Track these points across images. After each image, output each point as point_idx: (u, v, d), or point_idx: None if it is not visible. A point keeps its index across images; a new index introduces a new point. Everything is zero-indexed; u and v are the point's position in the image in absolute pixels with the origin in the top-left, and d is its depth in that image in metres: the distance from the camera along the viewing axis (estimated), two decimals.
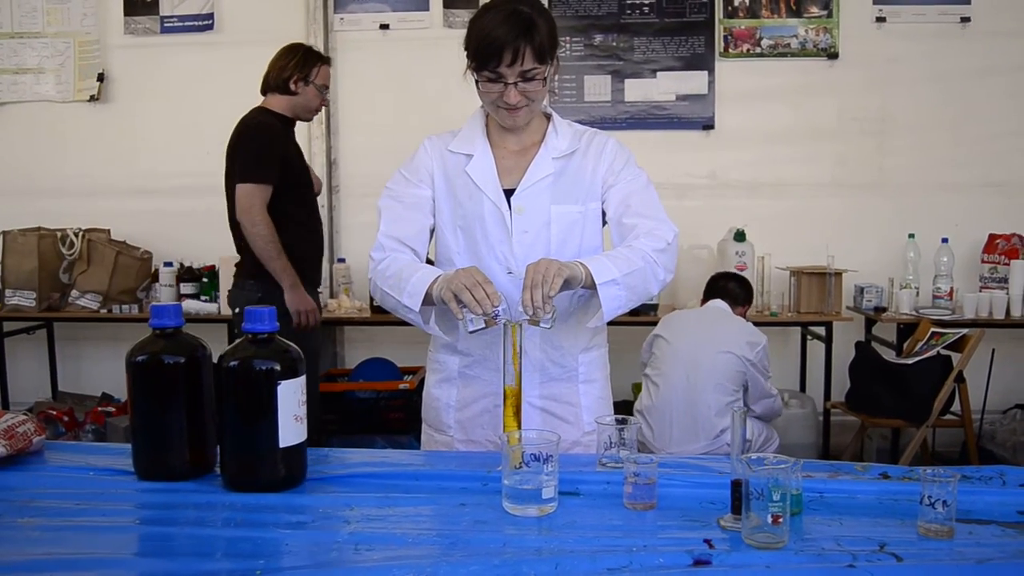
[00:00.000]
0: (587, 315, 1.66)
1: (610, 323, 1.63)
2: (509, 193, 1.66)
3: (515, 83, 1.56)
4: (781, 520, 1.11)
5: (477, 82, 1.60)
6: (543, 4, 1.62)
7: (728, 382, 2.93)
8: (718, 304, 3.16)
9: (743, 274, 3.51)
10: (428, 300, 1.54)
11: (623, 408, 3.62)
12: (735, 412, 1.22)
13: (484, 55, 1.54)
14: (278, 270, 2.83)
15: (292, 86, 2.90)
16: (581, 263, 1.51)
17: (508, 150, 1.70)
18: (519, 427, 1.48)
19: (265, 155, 2.82)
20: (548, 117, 1.73)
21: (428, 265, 1.61)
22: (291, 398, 1.32)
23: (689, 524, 1.20)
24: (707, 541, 1.14)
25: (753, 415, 3.08)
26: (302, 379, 1.34)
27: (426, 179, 1.70)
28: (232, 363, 1.31)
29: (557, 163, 1.68)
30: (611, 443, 1.44)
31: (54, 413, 3.85)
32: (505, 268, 1.65)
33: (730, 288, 3.22)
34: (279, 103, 2.93)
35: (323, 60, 2.97)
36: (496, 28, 1.53)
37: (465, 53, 1.59)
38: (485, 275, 1.47)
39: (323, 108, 2.99)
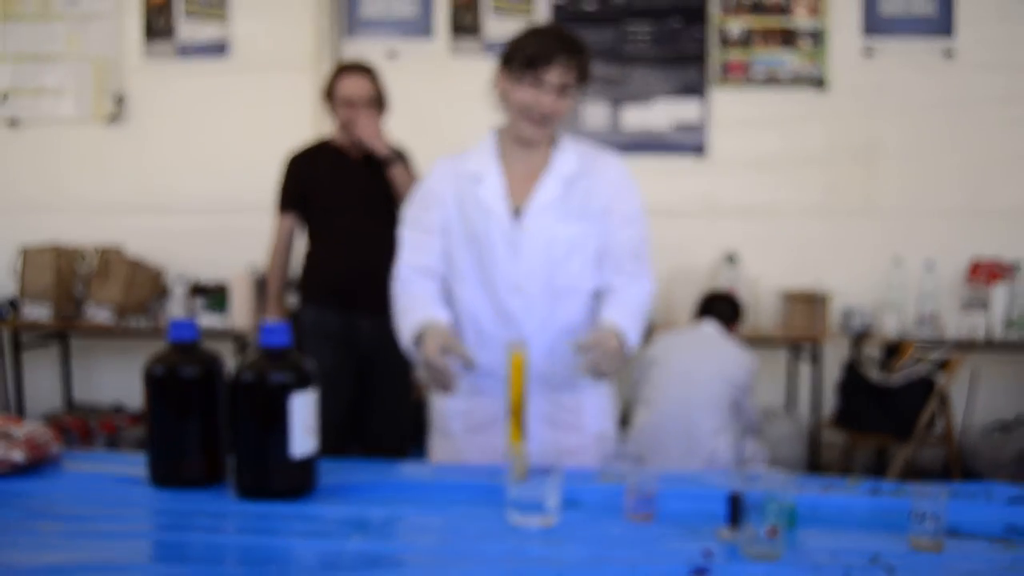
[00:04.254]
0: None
1: None
2: (517, 213, 1.72)
3: (552, 92, 1.63)
4: (777, 533, 1.14)
5: (503, 92, 1.68)
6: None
7: (722, 402, 2.96)
8: (710, 326, 3.20)
9: (733, 295, 3.55)
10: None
11: (620, 424, 3.64)
12: (733, 428, 1.26)
13: (534, 57, 1.62)
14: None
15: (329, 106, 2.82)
16: (622, 334, 1.62)
17: (517, 171, 1.75)
18: (523, 440, 1.52)
19: (281, 187, 2.85)
20: (553, 140, 1.78)
21: (422, 305, 1.69)
22: (303, 410, 1.34)
23: (688, 536, 1.23)
24: (705, 552, 1.16)
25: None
26: (314, 391, 1.37)
27: (437, 202, 1.75)
28: (247, 375, 1.34)
29: (564, 184, 1.73)
30: (613, 456, 1.48)
31: (68, 423, 3.87)
32: (513, 285, 1.71)
33: (720, 308, 3.27)
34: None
35: (342, 70, 2.79)
36: (549, 38, 1.65)
37: (504, 61, 1.67)
38: (448, 343, 1.57)
39: (355, 122, 2.69)
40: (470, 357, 1.58)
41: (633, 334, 1.64)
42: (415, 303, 1.70)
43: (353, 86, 2.71)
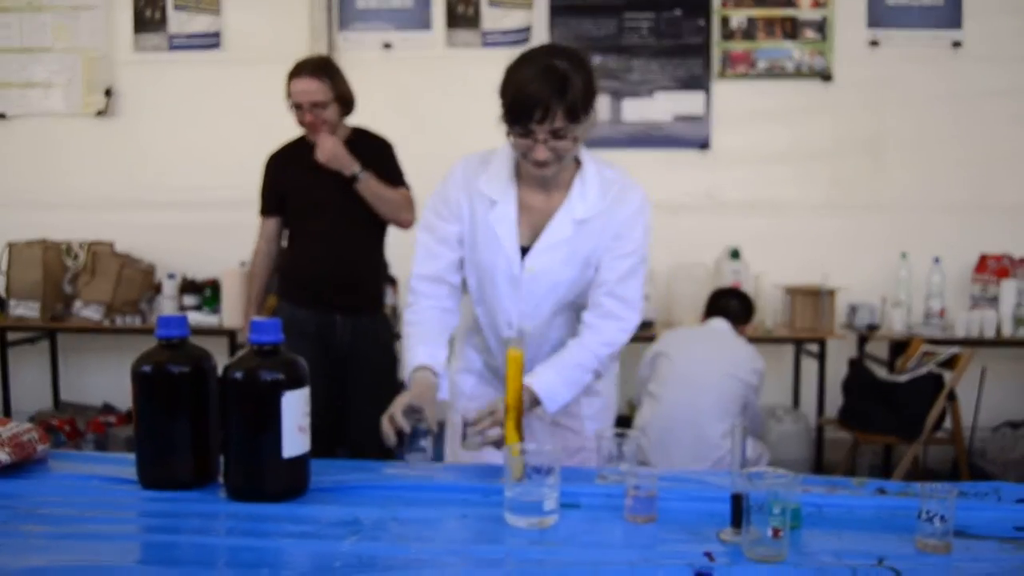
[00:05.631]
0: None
1: None
2: (526, 249, 1.69)
3: (544, 140, 1.54)
4: (781, 534, 1.12)
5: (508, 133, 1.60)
6: (582, 56, 1.57)
7: (731, 405, 2.93)
8: (720, 323, 3.16)
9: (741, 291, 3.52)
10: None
11: (621, 423, 3.62)
12: (736, 427, 1.23)
13: (515, 112, 1.52)
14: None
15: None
16: (536, 394, 1.59)
17: (533, 202, 1.69)
18: (521, 439, 1.50)
19: (260, 189, 2.84)
20: (578, 162, 1.70)
21: (422, 341, 1.67)
22: (295, 409, 1.32)
23: (689, 537, 1.21)
24: (708, 554, 1.14)
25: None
26: (306, 390, 1.35)
27: (455, 212, 1.71)
28: (237, 374, 1.32)
29: (576, 224, 1.66)
30: (611, 456, 1.45)
31: (56, 423, 3.85)
32: (507, 321, 1.73)
33: (731, 306, 3.23)
34: None
35: (292, 70, 2.67)
36: (529, 84, 1.50)
37: (502, 102, 1.56)
38: (421, 400, 1.54)
39: (319, 123, 2.64)
40: (431, 425, 1.53)
41: (558, 398, 1.62)
42: (417, 337, 1.68)
43: (299, 89, 2.63)
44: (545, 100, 1.49)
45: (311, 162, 2.66)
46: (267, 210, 2.84)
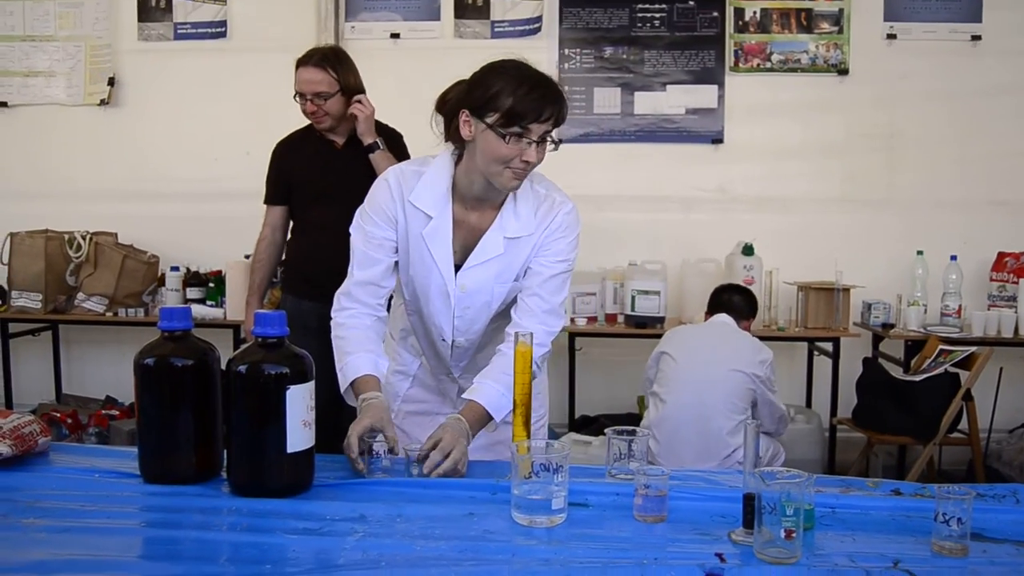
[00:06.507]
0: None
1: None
2: (458, 266, 1.71)
3: (537, 142, 1.55)
4: (794, 535, 1.10)
5: (474, 138, 1.58)
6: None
7: (739, 400, 2.90)
8: (723, 319, 3.13)
9: (750, 287, 3.49)
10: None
11: (628, 421, 3.60)
12: (748, 426, 1.21)
13: (524, 108, 1.53)
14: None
15: None
16: (480, 405, 1.60)
17: (466, 216, 1.70)
18: (528, 436, 1.48)
19: (267, 178, 2.84)
20: None
21: (363, 350, 1.65)
22: (300, 403, 1.31)
23: (700, 537, 1.20)
24: (719, 555, 1.13)
25: (763, 431, 3.04)
26: (311, 384, 1.34)
27: (389, 222, 1.70)
28: (241, 367, 1.31)
29: (508, 242, 1.69)
30: (621, 455, 1.43)
31: (58, 415, 3.83)
32: (440, 335, 1.77)
33: (734, 302, 3.20)
34: None
35: (298, 61, 2.70)
36: (537, 85, 1.54)
37: (475, 108, 1.56)
38: (380, 422, 1.51)
39: (321, 115, 2.64)
40: (395, 442, 1.52)
41: (503, 408, 1.61)
42: (356, 343, 1.66)
43: (303, 79, 2.64)
44: (549, 100, 1.54)
45: (318, 151, 2.66)
46: (273, 199, 2.83)
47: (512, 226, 1.68)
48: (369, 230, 1.70)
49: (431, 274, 1.70)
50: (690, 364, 2.96)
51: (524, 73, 1.56)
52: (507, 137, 1.54)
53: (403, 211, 1.68)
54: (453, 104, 1.64)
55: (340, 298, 1.72)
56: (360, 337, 1.67)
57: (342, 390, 1.66)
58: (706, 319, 3.24)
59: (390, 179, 1.70)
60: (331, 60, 2.67)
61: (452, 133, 1.65)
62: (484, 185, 1.64)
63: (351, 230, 1.73)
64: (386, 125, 2.80)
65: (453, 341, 1.77)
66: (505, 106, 1.53)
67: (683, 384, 2.93)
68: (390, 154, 2.67)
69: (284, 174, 2.80)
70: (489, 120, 1.55)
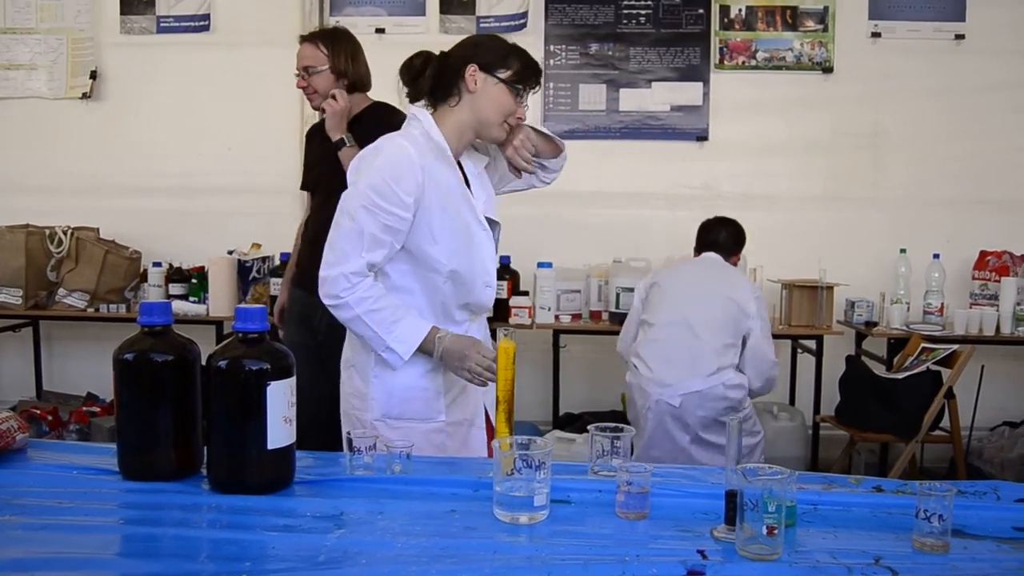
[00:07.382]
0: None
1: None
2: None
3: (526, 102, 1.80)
4: (776, 532, 1.10)
5: (482, 92, 1.75)
6: None
7: (727, 323, 2.96)
8: (712, 256, 3.18)
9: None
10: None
11: (612, 418, 3.60)
12: (731, 422, 1.21)
13: (529, 72, 1.77)
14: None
15: None
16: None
17: (468, 170, 1.87)
18: (511, 433, 1.47)
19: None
20: None
21: (409, 310, 1.75)
22: (280, 399, 1.30)
23: (682, 534, 1.19)
24: (700, 552, 1.13)
25: (752, 388, 3.04)
26: (292, 380, 1.32)
27: (414, 194, 1.70)
28: (221, 362, 1.30)
29: (483, 175, 1.90)
30: (603, 452, 1.43)
31: (38, 412, 3.80)
32: (485, 283, 1.84)
33: (721, 238, 3.22)
34: None
35: (302, 39, 2.70)
36: (530, 57, 1.80)
37: (488, 65, 1.74)
38: (490, 352, 1.69)
39: (311, 91, 2.63)
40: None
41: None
42: (403, 309, 1.75)
43: (298, 54, 2.65)
44: (539, 71, 1.81)
45: (323, 141, 2.64)
46: (304, 184, 2.85)
47: (476, 159, 1.89)
48: (388, 212, 1.69)
49: (471, 223, 1.78)
50: (679, 291, 3.06)
51: (515, 43, 1.80)
52: (520, 93, 1.75)
53: (432, 175, 1.73)
54: (457, 61, 1.75)
55: (347, 277, 1.68)
56: (397, 303, 1.74)
57: (405, 356, 1.72)
58: (696, 256, 3.27)
59: (411, 148, 1.71)
60: (326, 37, 2.65)
61: (442, 89, 1.76)
62: (470, 139, 1.82)
63: (352, 212, 1.71)
64: (395, 109, 2.63)
65: (489, 292, 1.87)
66: (516, 66, 1.75)
67: (671, 307, 3.02)
68: (359, 149, 2.64)
69: (306, 160, 2.83)
70: (502, 75, 1.73)
